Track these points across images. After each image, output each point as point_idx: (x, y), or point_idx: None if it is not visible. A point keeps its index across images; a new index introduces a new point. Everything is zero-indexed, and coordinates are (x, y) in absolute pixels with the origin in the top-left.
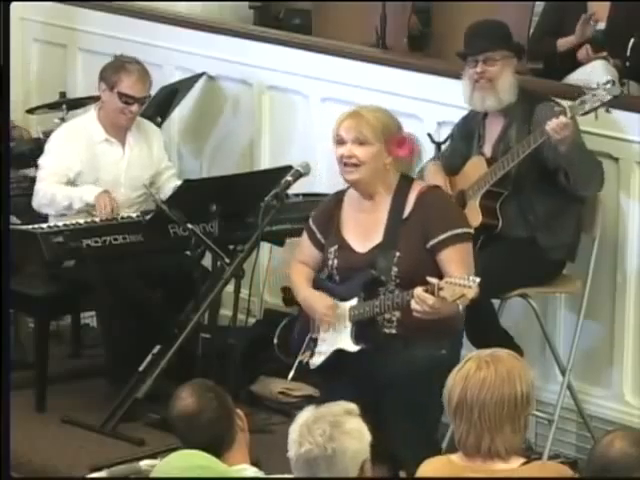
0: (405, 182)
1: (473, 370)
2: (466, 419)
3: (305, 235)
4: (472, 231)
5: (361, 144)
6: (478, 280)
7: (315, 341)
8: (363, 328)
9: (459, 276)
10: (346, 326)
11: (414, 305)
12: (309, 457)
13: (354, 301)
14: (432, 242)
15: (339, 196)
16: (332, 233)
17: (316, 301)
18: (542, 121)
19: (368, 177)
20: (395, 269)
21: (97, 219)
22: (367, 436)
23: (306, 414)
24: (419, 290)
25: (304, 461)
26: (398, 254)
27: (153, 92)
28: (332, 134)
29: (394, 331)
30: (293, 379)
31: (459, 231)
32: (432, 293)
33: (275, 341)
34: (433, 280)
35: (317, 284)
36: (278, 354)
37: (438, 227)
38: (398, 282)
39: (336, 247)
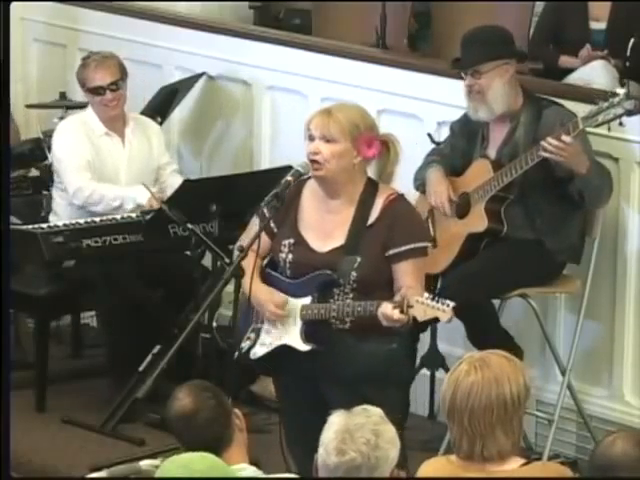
0: (371, 186)
1: (463, 375)
2: (458, 424)
3: (256, 221)
4: (429, 245)
5: (328, 142)
6: (453, 305)
7: (258, 331)
8: (314, 328)
9: (429, 296)
10: (296, 323)
11: (384, 323)
12: (352, 466)
13: (307, 300)
14: (392, 251)
15: (298, 187)
16: (287, 225)
17: (266, 297)
18: (550, 127)
19: (334, 175)
20: (354, 274)
21: (97, 219)
22: (399, 442)
23: (340, 421)
24: (389, 309)
25: (345, 469)
26: (359, 259)
27: (153, 92)
28: (304, 130)
29: (346, 327)
30: (235, 363)
31: (420, 245)
32: (400, 308)
33: (214, 325)
34: (400, 297)
35: (266, 277)
36: (218, 340)
37: (401, 238)
38: (355, 287)
39: (292, 241)
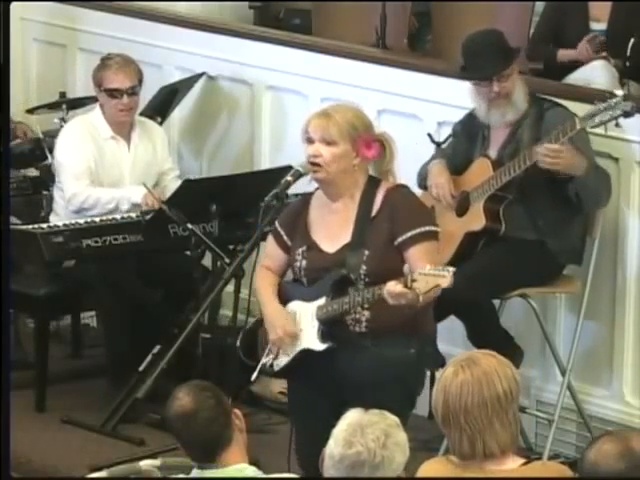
0: (372, 183)
1: (450, 377)
2: (455, 426)
3: (271, 238)
4: (439, 229)
5: (328, 144)
6: (453, 270)
7: None
8: (330, 327)
9: (431, 267)
10: (313, 325)
11: (390, 301)
12: (357, 460)
13: (322, 300)
14: (400, 239)
15: (306, 199)
16: (299, 235)
17: (280, 322)
18: (552, 128)
19: (334, 176)
20: (364, 267)
21: (97, 219)
22: (408, 452)
23: (355, 416)
24: (391, 285)
25: (350, 463)
26: (367, 252)
27: (153, 92)
28: (301, 133)
29: (364, 329)
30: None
31: (427, 229)
32: (405, 285)
33: (237, 344)
34: (406, 272)
35: (284, 289)
36: (242, 358)
37: (406, 224)
38: (367, 280)
39: (304, 248)
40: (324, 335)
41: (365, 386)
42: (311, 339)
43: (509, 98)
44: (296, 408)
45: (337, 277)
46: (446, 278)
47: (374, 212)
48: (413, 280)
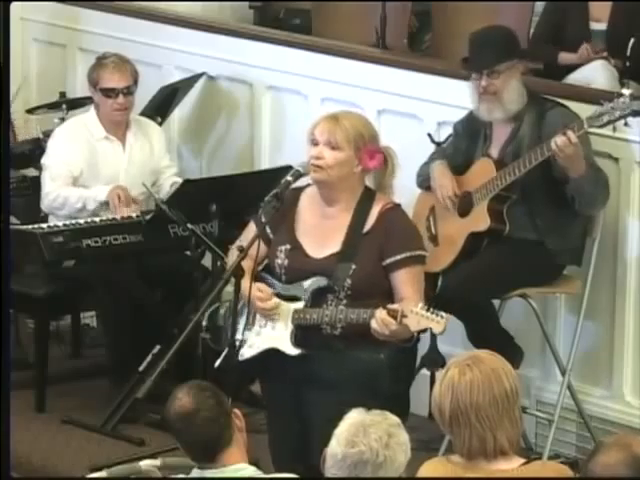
0: (368, 195)
1: (457, 377)
2: (464, 425)
3: (252, 226)
4: (427, 254)
5: (332, 148)
6: (447, 316)
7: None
8: (305, 333)
9: (423, 307)
10: (287, 328)
11: (374, 326)
12: (359, 459)
13: (299, 304)
14: (389, 260)
15: (294, 194)
16: (283, 231)
17: (253, 295)
18: (553, 127)
19: (334, 181)
20: (349, 281)
21: (97, 219)
22: (409, 452)
23: (357, 416)
24: (383, 314)
25: (352, 462)
26: (354, 266)
27: (153, 92)
28: (307, 134)
29: (337, 333)
30: (219, 368)
31: (416, 253)
32: (394, 318)
33: (204, 323)
34: (394, 307)
35: (261, 281)
36: (207, 340)
37: (397, 246)
38: (349, 293)
39: (288, 247)
40: (298, 340)
41: (334, 388)
42: (283, 341)
43: (497, 96)
44: (266, 406)
45: (319, 285)
46: (440, 325)
47: (367, 227)
48: (404, 316)
